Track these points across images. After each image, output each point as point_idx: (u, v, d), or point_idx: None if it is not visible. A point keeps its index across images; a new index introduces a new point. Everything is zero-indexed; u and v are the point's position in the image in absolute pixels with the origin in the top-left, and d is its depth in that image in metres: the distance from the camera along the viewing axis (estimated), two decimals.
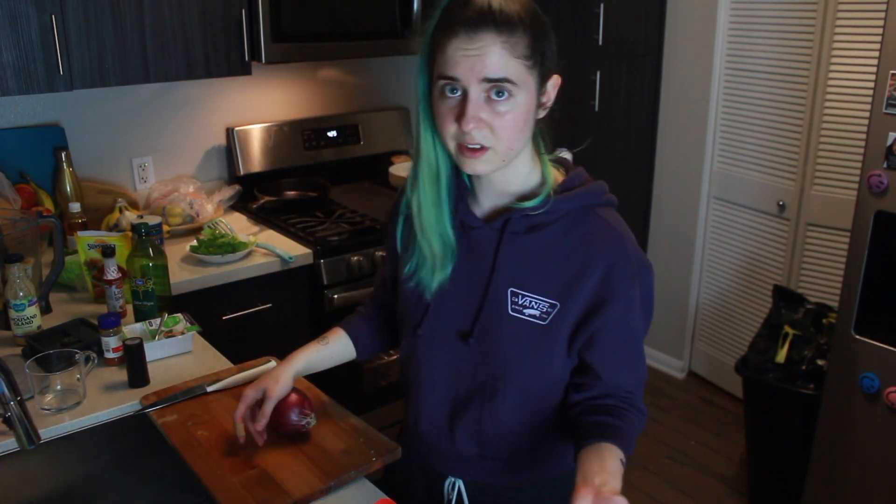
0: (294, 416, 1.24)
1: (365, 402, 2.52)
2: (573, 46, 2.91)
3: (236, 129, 2.66)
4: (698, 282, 3.37)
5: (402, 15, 2.53)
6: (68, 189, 2.31)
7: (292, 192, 2.75)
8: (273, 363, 1.53)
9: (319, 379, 1.37)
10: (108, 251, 1.71)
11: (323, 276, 2.33)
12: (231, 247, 2.20)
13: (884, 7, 1.94)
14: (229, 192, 2.63)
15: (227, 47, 2.29)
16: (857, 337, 2.11)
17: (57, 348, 1.50)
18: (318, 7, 2.39)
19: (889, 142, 1.96)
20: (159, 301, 1.76)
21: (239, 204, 2.68)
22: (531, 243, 1.10)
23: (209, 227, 2.31)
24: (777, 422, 2.48)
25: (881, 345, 2.06)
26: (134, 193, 2.55)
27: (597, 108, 3.05)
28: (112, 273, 1.71)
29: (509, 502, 1.24)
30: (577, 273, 1.07)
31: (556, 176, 1.13)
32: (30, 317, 1.63)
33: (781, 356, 2.42)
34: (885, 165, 1.98)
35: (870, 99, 2.02)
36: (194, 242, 2.24)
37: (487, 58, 0.97)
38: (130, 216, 2.25)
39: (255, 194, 2.65)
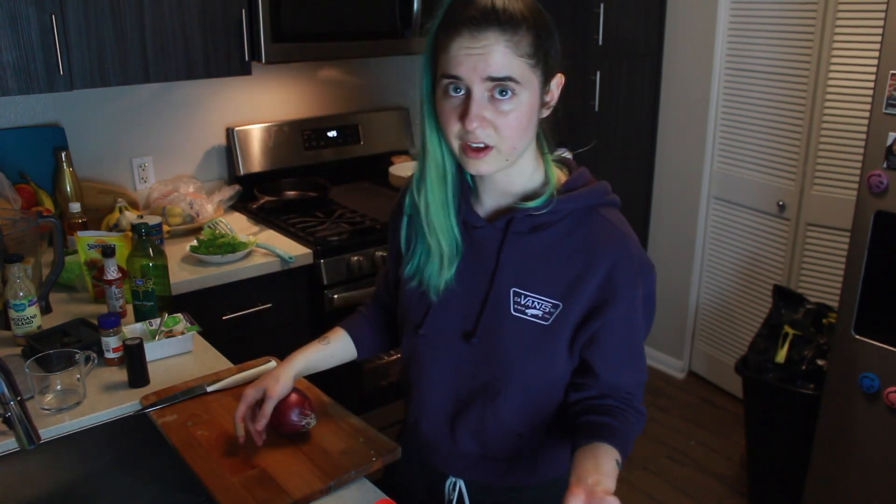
0: (294, 417, 1.24)
1: (365, 402, 2.52)
2: (573, 46, 2.91)
3: (236, 129, 2.66)
4: (698, 282, 3.37)
5: (402, 15, 2.53)
6: (68, 189, 2.31)
7: (292, 192, 2.75)
8: (273, 363, 1.53)
9: (320, 379, 1.37)
10: (108, 251, 1.71)
11: (323, 276, 2.33)
12: (231, 247, 2.20)
13: (884, 7, 1.94)
14: (229, 192, 2.63)
15: (227, 47, 2.29)
16: (857, 337, 2.11)
17: (57, 348, 1.50)
18: (318, 7, 2.39)
19: (889, 142, 1.96)
20: (159, 301, 1.76)
21: (239, 204, 2.68)
22: (534, 243, 1.10)
23: (209, 227, 2.31)
24: (777, 422, 2.48)
25: (881, 345, 2.06)
26: (134, 193, 2.55)
27: (597, 108, 3.05)
28: (112, 273, 1.71)
29: (510, 502, 1.24)
30: (580, 273, 1.07)
31: (559, 176, 1.13)
32: (30, 317, 1.63)
33: (781, 356, 2.42)
34: (885, 165, 1.98)
35: (870, 99, 2.02)
36: (194, 242, 2.24)
37: (491, 57, 0.97)
38: (130, 216, 2.25)
39: (255, 194, 2.65)
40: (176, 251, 2.24)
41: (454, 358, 1.16)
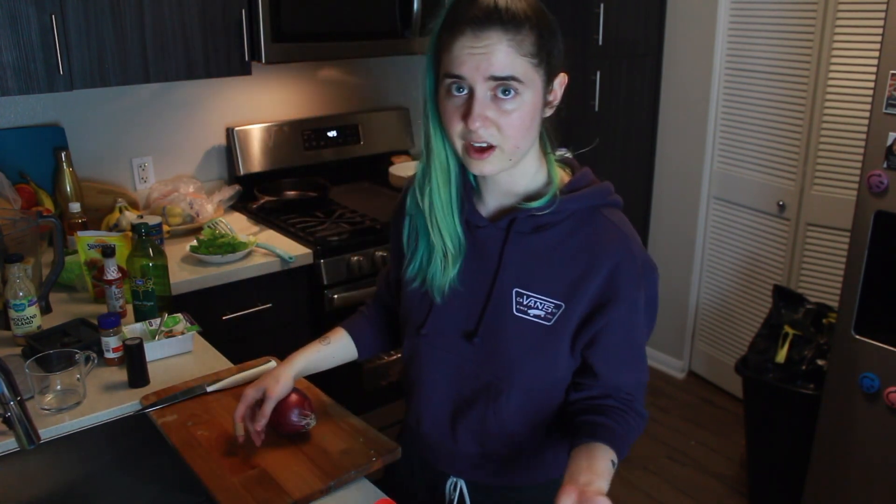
0: (294, 417, 1.24)
1: (365, 402, 2.52)
2: (573, 46, 2.91)
3: (236, 129, 2.66)
4: (698, 282, 3.37)
5: (402, 15, 2.53)
6: (68, 189, 2.31)
7: (292, 192, 2.75)
8: (273, 363, 1.53)
9: (320, 379, 1.37)
10: (108, 251, 1.71)
11: (323, 276, 2.33)
12: (231, 247, 2.20)
13: (884, 7, 1.94)
14: (229, 192, 2.63)
15: (227, 47, 2.29)
16: (857, 337, 2.11)
17: (57, 348, 1.50)
18: (318, 7, 2.39)
19: (889, 142, 1.96)
20: (159, 301, 1.76)
21: (239, 204, 2.68)
22: (537, 243, 1.10)
23: (209, 227, 2.31)
24: (777, 422, 2.48)
25: (881, 345, 2.06)
26: (134, 193, 2.55)
27: (597, 108, 3.05)
28: (112, 273, 1.71)
29: (511, 502, 1.24)
30: (583, 273, 1.07)
31: (562, 176, 1.13)
32: (30, 317, 1.63)
33: (781, 356, 2.42)
34: (885, 165, 1.98)
35: (870, 99, 2.02)
36: (194, 242, 2.24)
37: (494, 56, 0.97)
38: (130, 216, 2.25)
39: (255, 194, 2.65)
40: (176, 251, 2.24)
41: (456, 358, 1.16)
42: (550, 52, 1.02)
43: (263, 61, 2.32)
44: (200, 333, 1.69)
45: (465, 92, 1.00)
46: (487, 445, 1.19)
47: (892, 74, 1.93)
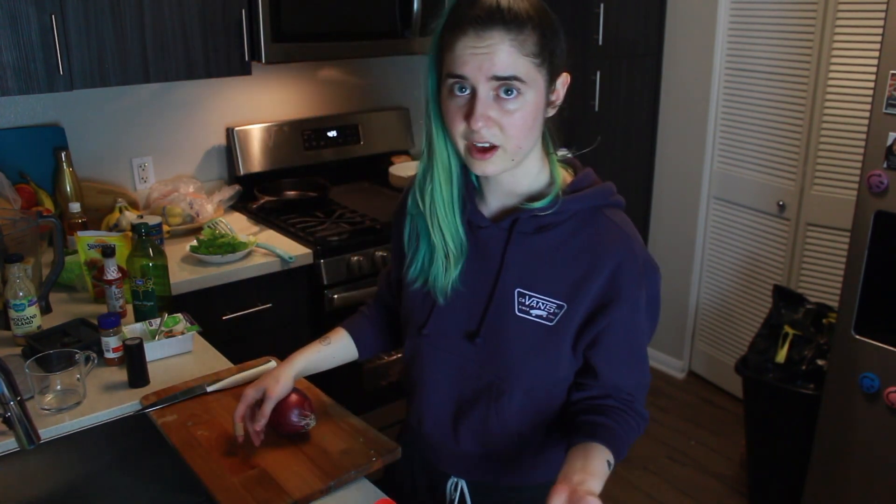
0: (294, 417, 1.24)
1: (365, 402, 2.52)
2: (573, 46, 2.90)
3: (236, 129, 2.66)
4: (698, 282, 3.37)
5: (402, 15, 2.53)
6: (68, 189, 2.31)
7: (292, 192, 2.75)
8: (273, 363, 1.53)
9: (320, 379, 1.37)
10: (108, 251, 1.71)
11: (323, 276, 2.33)
12: (231, 247, 2.20)
13: (884, 7, 1.94)
14: (229, 192, 2.63)
15: (227, 47, 2.29)
16: (857, 337, 2.11)
17: (57, 348, 1.50)
18: (318, 7, 2.39)
19: (889, 142, 1.96)
20: (159, 301, 1.76)
21: (239, 204, 2.68)
22: (539, 244, 1.09)
23: (209, 227, 2.31)
24: (777, 422, 2.48)
25: (881, 345, 2.06)
26: (134, 193, 2.55)
27: (597, 108, 3.05)
28: (112, 273, 1.71)
29: (512, 502, 1.24)
30: (585, 274, 1.07)
31: (564, 176, 1.13)
32: (30, 317, 1.63)
33: (781, 356, 2.42)
34: (885, 165, 1.98)
35: (870, 99, 2.02)
36: (194, 242, 2.24)
37: (496, 56, 0.97)
38: (130, 216, 2.25)
39: (255, 194, 2.65)
40: (176, 251, 2.24)
41: (458, 358, 1.16)
42: (553, 51, 1.02)
43: (263, 61, 2.32)
44: (200, 333, 1.69)
45: (468, 92, 1.00)
46: (489, 445, 1.19)
47: (892, 74, 1.93)
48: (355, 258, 2.38)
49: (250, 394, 1.22)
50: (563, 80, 1.06)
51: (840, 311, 2.16)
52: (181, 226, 2.41)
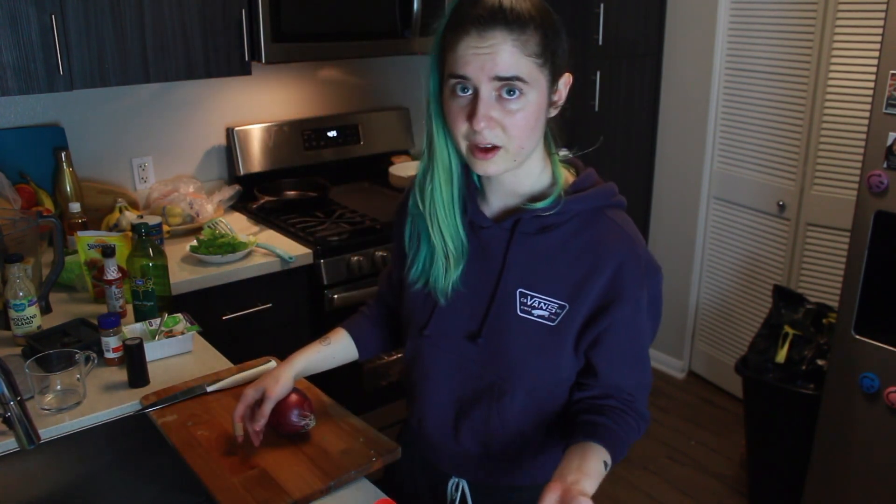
0: (294, 417, 1.24)
1: (365, 402, 2.52)
2: (573, 46, 2.91)
3: (236, 129, 2.66)
4: (698, 282, 3.37)
5: (402, 15, 2.53)
6: (68, 189, 2.31)
7: (292, 192, 2.75)
8: (273, 363, 1.53)
9: (320, 379, 1.37)
10: (108, 251, 1.71)
11: (323, 276, 2.33)
12: (231, 247, 2.20)
13: (884, 7, 1.94)
14: (229, 192, 2.63)
15: (227, 47, 2.29)
16: (857, 337, 2.11)
17: (57, 348, 1.50)
18: (318, 7, 2.39)
19: (889, 142, 1.96)
20: (159, 301, 1.76)
21: (239, 204, 2.68)
22: (541, 244, 1.09)
23: (209, 227, 2.31)
24: (777, 422, 2.48)
25: (881, 345, 2.06)
26: (134, 193, 2.55)
27: (597, 108, 3.04)
28: (112, 273, 1.71)
29: (513, 502, 1.24)
30: (587, 274, 1.07)
31: (566, 177, 1.13)
32: (30, 317, 1.63)
33: (781, 356, 2.42)
34: (885, 165, 1.98)
35: (870, 99, 2.02)
36: (194, 242, 2.24)
37: (498, 56, 0.97)
38: (130, 216, 2.25)
39: (255, 194, 2.65)
40: (176, 251, 2.24)
41: (459, 358, 1.16)
42: (555, 51, 1.02)
43: (263, 61, 2.32)
44: (200, 333, 1.69)
45: (470, 92, 1.00)
46: (490, 446, 1.19)
47: (892, 74, 1.93)
48: (355, 258, 2.38)
49: (250, 394, 1.22)
50: (566, 81, 1.06)
51: (840, 311, 2.16)
52: (181, 226, 2.41)
